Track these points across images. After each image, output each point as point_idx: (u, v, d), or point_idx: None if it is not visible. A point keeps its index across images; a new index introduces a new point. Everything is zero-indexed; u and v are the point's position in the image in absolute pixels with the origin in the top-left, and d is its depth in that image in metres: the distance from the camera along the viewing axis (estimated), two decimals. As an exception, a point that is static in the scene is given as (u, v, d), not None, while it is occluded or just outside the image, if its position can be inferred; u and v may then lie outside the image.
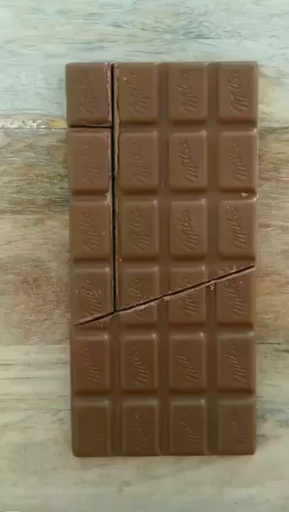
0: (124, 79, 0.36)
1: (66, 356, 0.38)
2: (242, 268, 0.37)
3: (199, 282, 0.37)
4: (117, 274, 0.37)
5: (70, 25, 0.37)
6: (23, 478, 0.38)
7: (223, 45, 0.37)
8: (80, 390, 0.37)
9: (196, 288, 0.37)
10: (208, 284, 0.37)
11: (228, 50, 0.37)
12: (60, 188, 0.37)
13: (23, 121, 0.37)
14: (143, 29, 0.37)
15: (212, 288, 0.37)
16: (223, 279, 0.37)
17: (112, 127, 0.36)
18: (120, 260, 0.37)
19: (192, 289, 0.37)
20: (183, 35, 0.37)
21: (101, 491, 0.39)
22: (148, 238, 0.37)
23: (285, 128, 0.37)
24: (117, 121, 0.36)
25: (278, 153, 0.38)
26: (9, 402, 0.38)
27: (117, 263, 0.37)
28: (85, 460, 0.38)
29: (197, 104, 0.36)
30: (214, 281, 0.37)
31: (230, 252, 0.37)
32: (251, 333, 0.37)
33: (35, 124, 0.37)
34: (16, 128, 0.37)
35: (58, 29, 0.37)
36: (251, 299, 0.37)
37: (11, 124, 0.37)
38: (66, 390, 0.38)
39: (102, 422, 0.37)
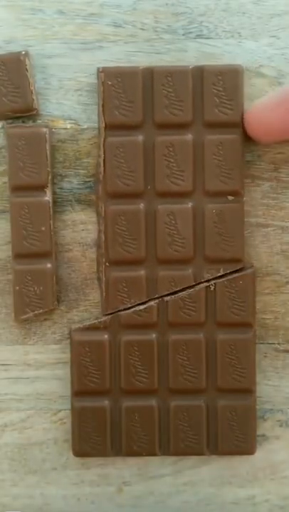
0: (109, 83, 0.36)
1: (66, 356, 0.38)
2: (229, 271, 0.37)
3: (186, 285, 0.37)
4: (104, 278, 0.37)
5: (70, 25, 0.37)
6: (23, 478, 0.39)
7: (222, 45, 0.37)
8: (80, 390, 0.37)
9: (188, 290, 0.37)
10: (208, 284, 0.37)
11: (228, 50, 0.37)
12: (60, 189, 0.38)
13: (22, 121, 0.37)
14: (142, 29, 0.37)
15: (212, 288, 0.37)
16: (224, 278, 0.37)
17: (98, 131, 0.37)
18: (107, 264, 0.37)
19: (192, 289, 0.37)
20: (182, 35, 0.37)
21: (101, 491, 0.39)
22: (134, 242, 0.37)
23: (285, 128, 0.37)
24: (102, 125, 0.36)
25: (278, 153, 0.37)
26: (9, 402, 0.38)
27: (103, 267, 0.37)
28: (84, 460, 0.38)
29: (182, 108, 0.36)
30: (214, 282, 0.37)
31: (217, 255, 0.37)
32: (251, 333, 0.37)
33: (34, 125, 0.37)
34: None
35: (58, 29, 0.37)
36: (251, 299, 0.37)
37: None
38: (66, 390, 0.38)
39: (101, 422, 0.37)
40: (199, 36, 0.37)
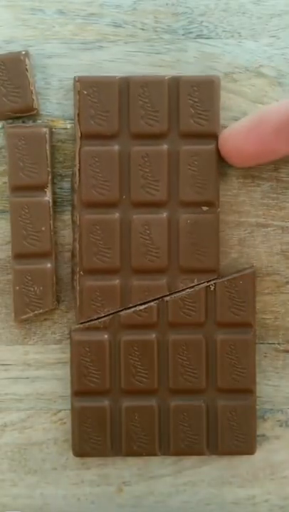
0: (85, 92, 0.36)
1: (66, 356, 0.38)
2: (202, 281, 0.37)
3: (161, 295, 0.37)
4: (78, 287, 0.37)
5: (70, 25, 0.37)
6: (23, 478, 0.39)
7: (222, 45, 0.37)
8: (80, 390, 0.37)
9: (188, 290, 0.37)
10: (208, 285, 0.37)
11: (228, 50, 0.37)
12: (60, 189, 0.38)
13: (22, 121, 0.37)
14: (143, 29, 0.37)
15: (212, 288, 0.37)
16: (223, 279, 0.37)
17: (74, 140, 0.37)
18: (81, 273, 0.37)
19: (192, 289, 0.37)
20: (183, 35, 0.37)
21: (100, 491, 0.39)
22: (109, 251, 0.37)
23: (285, 128, 0.37)
24: (77, 134, 0.36)
25: (278, 153, 0.37)
26: (9, 402, 0.38)
27: (78, 276, 0.37)
28: (84, 460, 0.38)
29: (158, 118, 0.36)
30: (214, 282, 0.37)
31: (191, 266, 0.37)
32: (251, 333, 0.37)
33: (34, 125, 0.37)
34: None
35: (58, 29, 0.37)
36: (251, 299, 0.37)
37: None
38: (66, 390, 0.38)
39: (101, 422, 0.37)
40: (199, 36, 0.37)
